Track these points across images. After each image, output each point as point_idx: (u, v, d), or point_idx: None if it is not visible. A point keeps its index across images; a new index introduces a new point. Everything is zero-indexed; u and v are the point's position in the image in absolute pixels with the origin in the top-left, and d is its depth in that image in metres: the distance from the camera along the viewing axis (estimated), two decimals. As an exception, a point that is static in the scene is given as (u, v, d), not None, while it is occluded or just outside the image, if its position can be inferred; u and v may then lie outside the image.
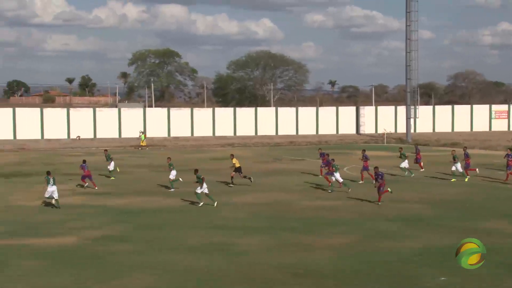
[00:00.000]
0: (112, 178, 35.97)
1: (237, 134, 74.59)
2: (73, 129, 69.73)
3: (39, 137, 68.19)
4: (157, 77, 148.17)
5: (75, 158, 48.06)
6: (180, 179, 32.29)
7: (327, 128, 77.30)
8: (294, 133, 75.88)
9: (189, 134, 74.29)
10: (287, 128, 76.37)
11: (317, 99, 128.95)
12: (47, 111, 71.75)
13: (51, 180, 26.25)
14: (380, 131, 73.97)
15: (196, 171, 27.54)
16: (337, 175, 30.68)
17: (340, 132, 77.26)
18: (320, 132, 76.50)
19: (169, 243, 19.74)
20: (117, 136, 70.97)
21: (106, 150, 39.14)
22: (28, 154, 54.20)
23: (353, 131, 78.45)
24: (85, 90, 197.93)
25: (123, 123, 72.18)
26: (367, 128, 78.25)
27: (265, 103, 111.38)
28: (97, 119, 71.59)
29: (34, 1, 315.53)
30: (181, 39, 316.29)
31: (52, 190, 26.18)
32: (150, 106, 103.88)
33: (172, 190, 31.35)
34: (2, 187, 32.76)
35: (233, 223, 22.99)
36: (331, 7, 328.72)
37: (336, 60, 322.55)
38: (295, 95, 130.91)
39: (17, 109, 71.18)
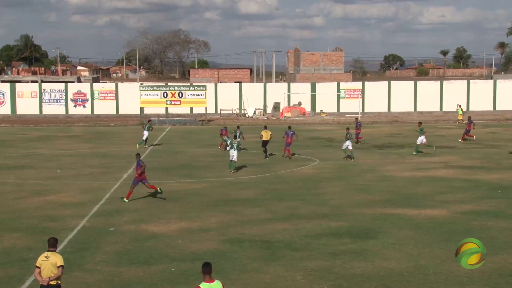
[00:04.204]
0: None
1: None
2: (446, 102, 69.16)
3: (412, 109, 69.35)
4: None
5: (447, 131, 47.79)
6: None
7: None
8: None
9: None
10: None
11: None
12: (421, 84, 72.37)
13: (234, 145, 29.17)
14: None
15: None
16: None
17: None
18: None
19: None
20: (491, 108, 68.27)
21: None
22: (401, 126, 55.66)
23: None
24: (460, 62, 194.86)
25: (499, 95, 69.04)
26: None
27: None
28: (471, 91, 69.75)
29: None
30: None
31: (232, 154, 28.93)
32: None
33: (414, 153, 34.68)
34: (376, 158, 34.26)
35: None
36: None
37: None
38: None
39: (392, 82, 73.42)
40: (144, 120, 54.80)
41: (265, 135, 33.72)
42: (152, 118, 60.30)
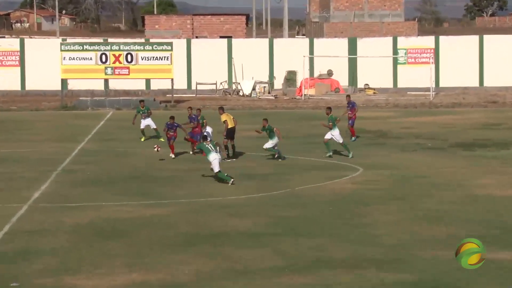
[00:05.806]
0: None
1: None
2: None
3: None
4: None
5: None
6: None
7: None
8: None
9: None
10: None
11: None
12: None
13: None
14: None
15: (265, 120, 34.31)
16: None
17: None
18: None
19: None
20: None
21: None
22: (502, 111, 55.50)
23: None
24: None
25: None
26: None
27: None
28: None
29: None
30: None
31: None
32: None
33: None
34: (460, 164, 34.16)
35: None
36: None
37: None
38: None
39: (485, 37, 73.19)
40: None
41: (229, 120, 34.95)
42: (83, 97, 60.34)
